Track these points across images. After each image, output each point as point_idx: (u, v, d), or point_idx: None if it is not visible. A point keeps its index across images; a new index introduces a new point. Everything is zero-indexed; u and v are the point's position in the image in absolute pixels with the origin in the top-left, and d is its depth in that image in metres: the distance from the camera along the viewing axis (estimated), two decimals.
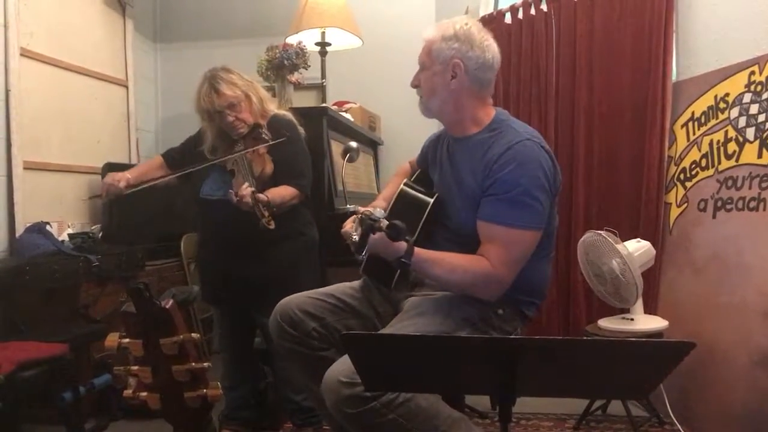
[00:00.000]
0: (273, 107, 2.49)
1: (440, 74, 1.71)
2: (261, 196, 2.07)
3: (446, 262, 1.61)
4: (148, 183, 2.38)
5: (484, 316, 1.68)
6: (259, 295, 2.32)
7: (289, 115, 2.49)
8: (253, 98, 2.39)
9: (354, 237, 1.44)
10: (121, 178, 2.34)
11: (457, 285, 1.65)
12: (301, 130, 2.49)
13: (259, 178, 2.26)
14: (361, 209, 1.61)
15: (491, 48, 1.72)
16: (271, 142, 2.31)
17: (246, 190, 2.07)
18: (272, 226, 2.06)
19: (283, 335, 1.82)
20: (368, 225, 1.42)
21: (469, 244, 1.65)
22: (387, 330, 1.66)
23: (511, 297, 1.68)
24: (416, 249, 1.57)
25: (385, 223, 1.45)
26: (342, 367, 1.51)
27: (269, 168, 2.32)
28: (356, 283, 1.94)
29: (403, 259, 1.54)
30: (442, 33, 1.71)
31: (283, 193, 2.26)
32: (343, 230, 1.66)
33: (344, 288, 1.92)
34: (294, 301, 1.85)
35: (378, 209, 1.49)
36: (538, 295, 1.79)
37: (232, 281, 2.38)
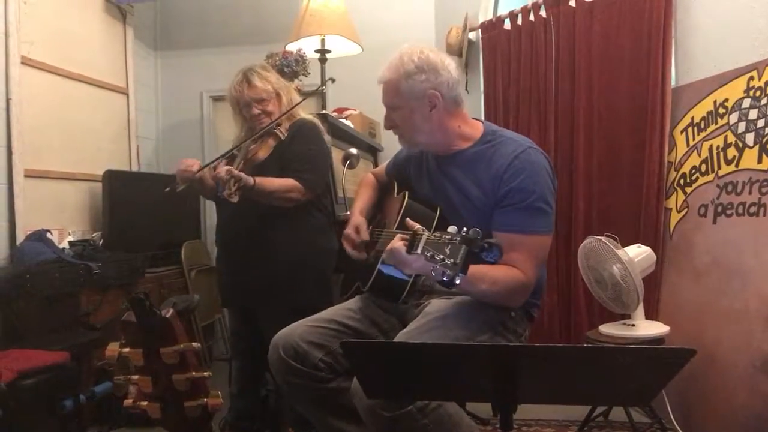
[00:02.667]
0: (302, 113, 2.51)
1: (417, 110, 1.70)
2: (236, 172, 2.11)
3: (489, 276, 1.56)
4: (213, 162, 2.33)
5: (501, 320, 1.70)
6: (259, 295, 2.33)
7: (316, 121, 2.51)
8: (284, 98, 2.44)
9: (449, 261, 1.29)
10: (193, 163, 2.28)
11: (497, 297, 1.63)
12: (327, 137, 2.54)
13: (248, 160, 2.30)
14: (414, 224, 1.49)
15: (452, 65, 1.74)
16: (281, 136, 2.35)
17: (220, 167, 2.13)
18: (234, 199, 2.10)
19: (289, 371, 1.73)
20: (473, 243, 1.28)
21: None
22: (407, 331, 1.64)
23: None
24: None
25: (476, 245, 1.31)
26: None
27: (262, 154, 2.37)
28: (353, 304, 1.90)
29: (455, 278, 1.41)
30: (403, 70, 1.69)
31: (279, 181, 2.26)
32: (394, 247, 1.48)
33: (343, 311, 1.88)
34: (295, 332, 1.77)
35: (452, 226, 1.35)
36: (540, 296, 1.83)
37: (240, 278, 2.39)
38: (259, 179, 2.19)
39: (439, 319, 1.66)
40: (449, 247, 1.31)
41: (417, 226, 1.43)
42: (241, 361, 2.55)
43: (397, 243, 1.49)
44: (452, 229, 1.34)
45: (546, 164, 1.69)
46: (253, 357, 2.54)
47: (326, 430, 1.80)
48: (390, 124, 1.77)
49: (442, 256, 1.30)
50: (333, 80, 2.58)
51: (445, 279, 1.31)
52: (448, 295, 1.75)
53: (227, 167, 2.13)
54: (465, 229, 1.32)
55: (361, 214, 1.93)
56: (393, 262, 1.51)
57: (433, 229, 1.68)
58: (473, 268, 1.52)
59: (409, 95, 1.69)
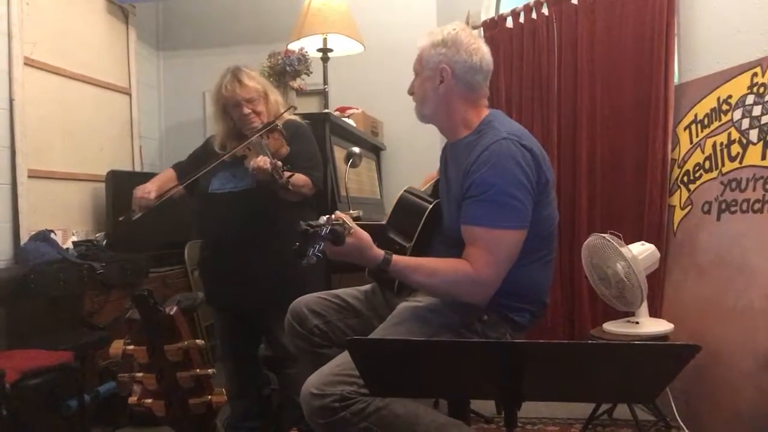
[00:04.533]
0: (287, 114, 2.52)
1: (430, 80, 1.74)
2: (279, 163, 2.13)
3: (425, 267, 1.59)
4: (173, 190, 2.39)
5: (466, 322, 1.66)
6: (264, 293, 2.32)
7: (303, 122, 2.55)
8: (270, 97, 2.46)
9: (296, 245, 1.42)
10: (150, 189, 2.35)
11: (440, 290, 1.63)
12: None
13: (275, 154, 2.28)
14: (342, 214, 1.60)
15: (479, 51, 1.72)
16: (284, 133, 2.35)
17: (262, 158, 2.14)
18: (291, 188, 2.16)
19: (292, 331, 1.91)
20: (302, 231, 1.41)
21: (460, 246, 1.63)
22: (371, 336, 1.67)
23: (497, 302, 1.64)
24: (395, 257, 1.57)
25: (326, 228, 1.43)
26: (314, 378, 1.53)
27: (285, 150, 2.35)
28: (365, 287, 1.98)
29: (381, 267, 1.56)
30: (431, 40, 1.74)
31: (301, 177, 2.30)
32: None
33: (351, 290, 1.98)
34: (304, 299, 1.93)
35: (324, 217, 1.47)
36: (531, 301, 1.72)
37: (237, 278, 2.37)
38: (293, 173, 2.23)
39: (395, 325, 1.67)
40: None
41: (339, 215, 1.52)
42: (235, 362, 2.54)
43: None
44: (323, 219, 1.46)
45: (519, 155, 1.59)
46: (246, 357, 2.54)
47: None
48: (410, 89, 1.82)
49: (296, 244, 1.43)
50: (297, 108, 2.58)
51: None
52: (421, 297, 1.76)
53: (269, 159, 2.14)
54: (323, 218, 1.46)
55: None
56: None
57: (421, 224, 1.77)
58: (407, 259, 1.61)
59: (426, 64, 1.74)
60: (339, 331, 1.88)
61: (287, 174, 2.15)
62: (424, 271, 1.58)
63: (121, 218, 2.36)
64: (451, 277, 1.57)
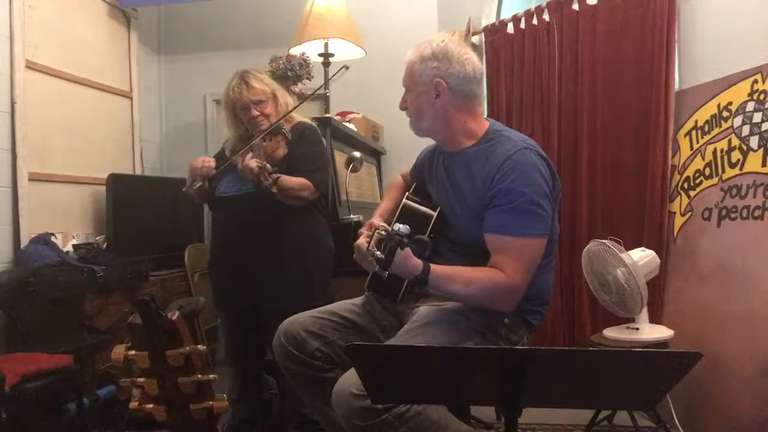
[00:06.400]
0: (297, 116, 2.51)
1: (424, 95, 1.73)
2: (268, 165, 2.13)
3: (462, 277, 1.59)
4: (227, 164, 2.36)
5: (492, 326, 1.68)
6: (268, 295, 2.32)
7: (313, 124, 2.54)
8: (279, 99, 2.46)
9: (378, 254, 1.40)
10: (209, 159, 2.36)
11: (475, 299, 1.64)
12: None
13: (269, 157, 2.28)
14: (377, 223, 1.61)
15: (471, 61, 1.73)
16: (288, 135, 2.34)
17: (250, 159, 2.14)
18: (275, 190, 2.15)
19: (288, 357, 1.80)
20: (396, 241, 1.38)
21: (474, 254, 1.66)
22: (395, 341, 1.66)
23: (517, 306, 1.67)
24: (433, 266, 1.56)
25: (409, 239, 1.42)
26: (353, 379, 1.50)
27: (281, 152, 2.35)
28: (358, 299, 1.93)
29: (420, 277, 1.54)
30: (420, 54, 1.72)
31: (295, 180, 2.29)
32: (357, 243, 1.63)
33: (346, 305, 1.91)
34: (297, 321, 1.83)
35: (400, 225, 1.45)
36: (542, 303, 1.79)
37: (242, 280, 2.37)
38: (280, 175, 2.21)
39: (423, 327, 1.66)
40: (383, 243, 1.41)
41: (382, 224, 1.49)
42: (240, 366, 2.54)
43: (361, 239, 1.60)
44: (397, 227, 1.43)
45: (540, 165, 1.66)
46: (251, 361, 2.53)
47: (323, 419, 1.83)
48: (402, 104, 1.80)
49: (378, 252, 1.40)
50: (347, 67, 2.49)
51: (376, 271, 1.43)
52: (438, 300, 1.75)
53: (257, 160, 2.13)
54: (398, 226, 1.42)
55: (380, 217, 1.93)
56: (357, 258, 1.60)
57: (429, 230, 1.75)
58: (444, 268, 1.59)
59: (418, 79, 1.72)
60: (342, 351, 1.76)
61: (274, 176, 2.14)
62: (461, 281, 1.59)
63: (184, 189, 2.36)
64: (488, 286, 1.59)
